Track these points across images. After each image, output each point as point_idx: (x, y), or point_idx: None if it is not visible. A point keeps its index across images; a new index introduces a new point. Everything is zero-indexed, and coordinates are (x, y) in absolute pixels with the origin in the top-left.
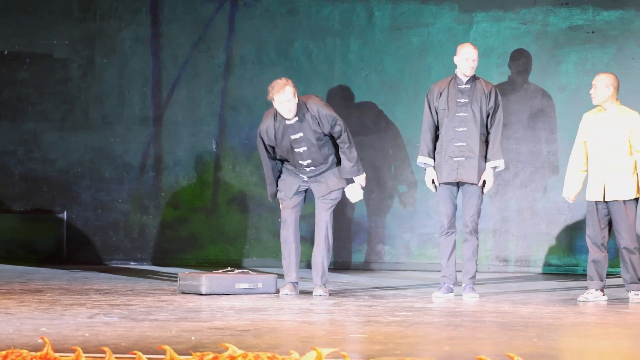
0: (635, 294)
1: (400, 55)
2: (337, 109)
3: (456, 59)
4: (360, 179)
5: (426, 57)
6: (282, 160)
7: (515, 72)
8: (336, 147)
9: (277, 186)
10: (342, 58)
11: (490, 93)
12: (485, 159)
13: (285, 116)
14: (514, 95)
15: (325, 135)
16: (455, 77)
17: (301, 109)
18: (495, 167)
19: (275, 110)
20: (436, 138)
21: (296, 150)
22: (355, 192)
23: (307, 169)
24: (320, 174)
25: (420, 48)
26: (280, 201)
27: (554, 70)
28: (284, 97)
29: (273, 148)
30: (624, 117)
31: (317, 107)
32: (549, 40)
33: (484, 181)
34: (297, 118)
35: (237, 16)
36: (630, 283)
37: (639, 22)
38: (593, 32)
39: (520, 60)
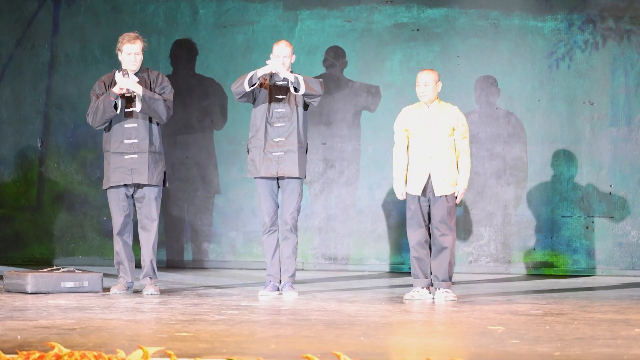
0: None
1: (225, 53)
2: None
3: (271, 57)
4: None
5: (251, 54)
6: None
7: (340, 69)
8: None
9: None
10: (166, 56)
11: None
12: (306, 151)
13: (131, 67)
14: (339, 93)
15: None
16: (273, 74)
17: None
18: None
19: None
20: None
21: None
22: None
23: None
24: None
25: (245, 46)
26: None
27: (379, 68)
28: (133, 48)
29: None
30: (446, 112)
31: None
32: (374, 38)
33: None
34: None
35: (61, 14)
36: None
37: (463, 20)
38: (418, 30)
39: (345, 58)
